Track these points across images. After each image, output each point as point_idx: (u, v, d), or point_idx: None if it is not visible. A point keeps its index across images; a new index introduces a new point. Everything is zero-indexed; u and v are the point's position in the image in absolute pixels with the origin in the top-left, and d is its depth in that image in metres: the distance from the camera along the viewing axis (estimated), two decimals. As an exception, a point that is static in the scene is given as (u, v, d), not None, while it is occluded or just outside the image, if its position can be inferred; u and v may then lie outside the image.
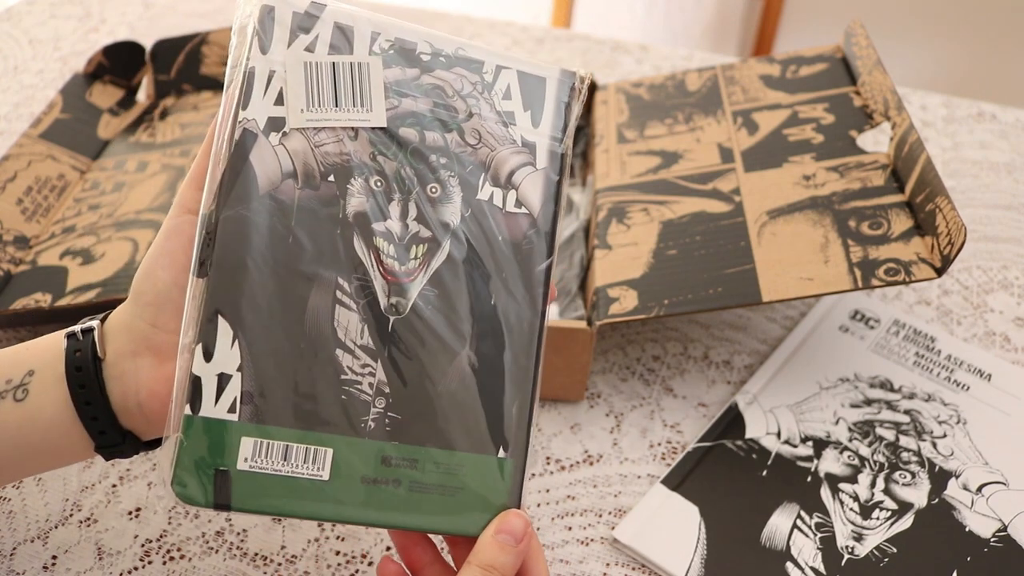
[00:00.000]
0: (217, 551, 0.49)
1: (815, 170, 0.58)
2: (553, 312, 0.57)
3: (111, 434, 0.38)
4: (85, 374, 0.37)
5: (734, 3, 1.97)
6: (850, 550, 0.49)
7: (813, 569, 0.48)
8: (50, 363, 0.38)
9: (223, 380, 0.35)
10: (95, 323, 0.39)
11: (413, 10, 1.00)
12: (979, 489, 0.52)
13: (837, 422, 0.55)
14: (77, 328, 0.38)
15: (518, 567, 0.37)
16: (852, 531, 0.50)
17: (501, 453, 0.38)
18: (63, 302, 0.55)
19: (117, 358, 0.38)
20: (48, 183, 0.66)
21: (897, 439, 0.54)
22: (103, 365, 0.38)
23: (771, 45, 1.98)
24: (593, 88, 0.75)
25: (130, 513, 0.50)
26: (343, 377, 0.36)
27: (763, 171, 0.60)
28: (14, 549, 0.48)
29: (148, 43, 0.77)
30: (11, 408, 0.37)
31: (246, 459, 0.35)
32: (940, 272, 0.49)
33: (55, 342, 0.39)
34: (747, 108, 0.66)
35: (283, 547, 0.49)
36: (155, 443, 0.40)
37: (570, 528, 0.51)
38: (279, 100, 0.37)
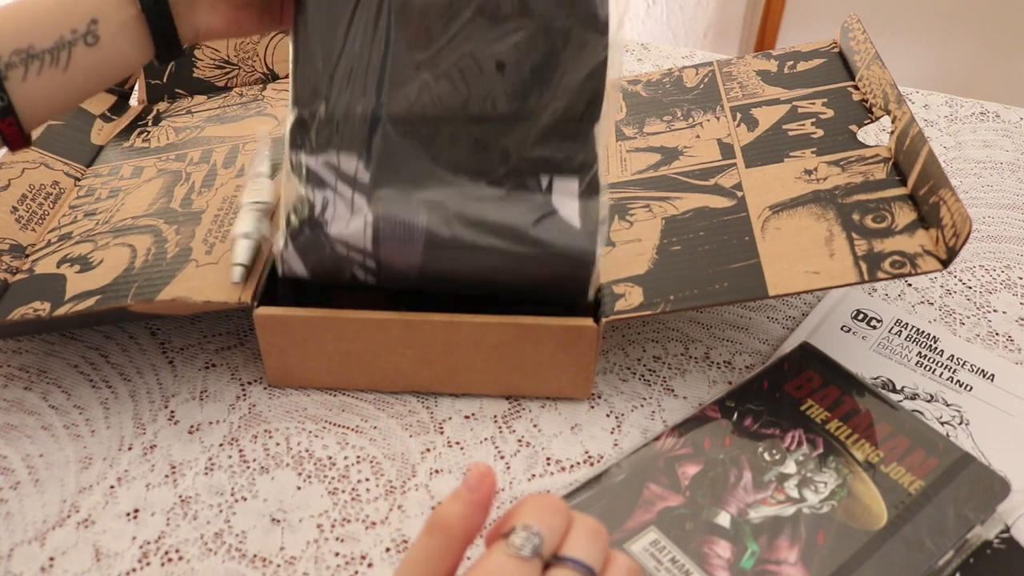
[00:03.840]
0: (216, 552, 0.48)
1: (816, 164, 0.58)
2: (572, 190, 0.51)
3: (176, 54, 0.49)
4: (165, 20, 0.47)
5: (735, 2, 1.97)
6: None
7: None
8: (116, 9, 0.46)
9: None
10: None
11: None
12: (983, 489, 0.51)
13: (840, 422, 0.55)
14: None
15: (476, 519, 0.35)
16: (857, 532, 0.50)
17: None
18: (62, 310, 0.54)
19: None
20: (43, 191, 0.66)
21: (901, 439, 0.54)
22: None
23: (773, 45, 1.97)
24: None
25: (128, 514, 0.50)
26: None
27: (764, 166, 0.59)
28: (11, 551, 0.48)
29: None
30: (84, 52, 0.45)
31: None
32: (946, 264, 0.49)
33: None
34: (746, 104, 0.66)
35: (282, 548, 0.49)
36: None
37: (571, 529, 0.50)
38: None
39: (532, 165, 0.50)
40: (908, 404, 0.56)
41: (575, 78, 0.50)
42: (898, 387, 0.57)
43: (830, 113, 0.62)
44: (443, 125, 0.50)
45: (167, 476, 0.52)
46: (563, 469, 0.53)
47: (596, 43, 0.49)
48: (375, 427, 0.55)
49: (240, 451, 0.54)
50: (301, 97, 0.51)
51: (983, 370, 0.58)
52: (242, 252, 0.55)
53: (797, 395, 0.54)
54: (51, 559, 0.48)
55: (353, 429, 0.55)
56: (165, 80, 0.77)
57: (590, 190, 0.50)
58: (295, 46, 0.51)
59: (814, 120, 0.62)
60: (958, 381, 0.58)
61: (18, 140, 0.47)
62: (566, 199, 0.50)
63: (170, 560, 0.48)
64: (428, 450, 0.54)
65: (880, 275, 0.50)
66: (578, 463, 0.53)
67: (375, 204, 0.50)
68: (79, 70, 0.46)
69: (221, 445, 0.54)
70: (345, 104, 0.50)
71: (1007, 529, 0.49)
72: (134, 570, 0.47)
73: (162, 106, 0.76)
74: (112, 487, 0.51)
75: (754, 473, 0.50)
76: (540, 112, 0.50)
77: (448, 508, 0.34)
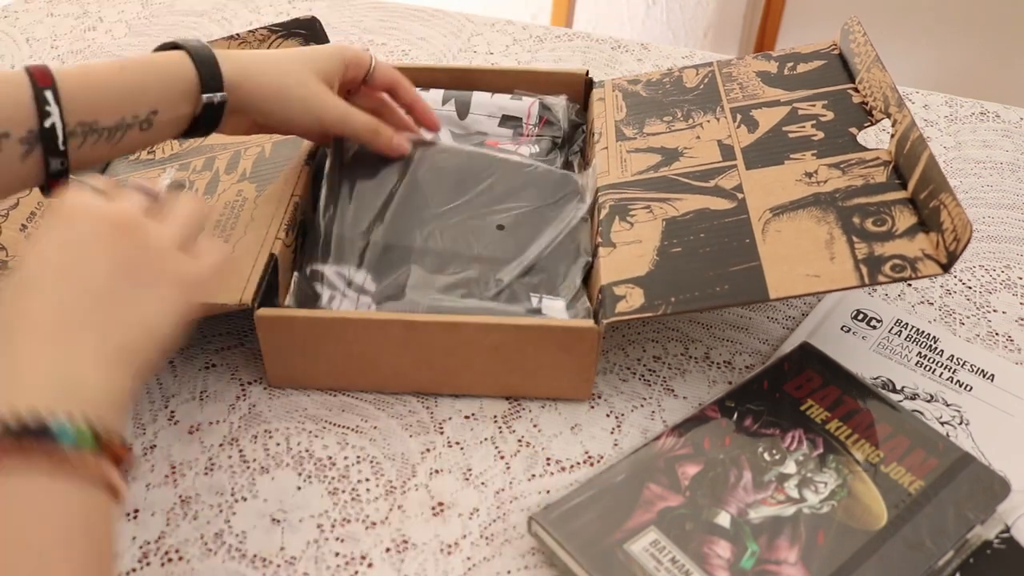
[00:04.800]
0: (216, 553, 0.48)
1: (816, 167, 0.58)
2: (560, 307, 0.56)
3: (201, 136, 0.56)
4: (212, 123, 0.55)
5: (735, 2, 1.96)
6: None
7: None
8: (175, 106, 0.52)
9: None
10: (223, 98, 0.53)
11: (413, 9, 1.00)
12: (983, 489, 0.51)
13: (840, 423, 0.55)
14: (215, 98, 0.53)
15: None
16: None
17: None
18: None
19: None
20: (51, 207, 0.66)
21: (900, 440, 0.54)
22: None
23: (773, 45, 1.97)
24: (590, 85, 0.75)
25: (128, 515, 0.50)
26: None
27: (764, 168, 0.59)
28: (11, 551, 0.48)
29: (147, 42, 0.77)
30: (135, 135, 0.51)
31: None
32: (946, 268, 0.49)
33: (180, 90, 0.52)
34: (746, 105, 0.66)
35: (282, 548, 0.49)
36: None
37: (571, 529, 0.50)
38: None
39: (524, 288, 0.57)
40: (908, 404, 0.56)
41: (560, 230, 0.60)
42: (898, 387, 0.57)
43: (830, 115, 0.62)
44: (446, 259, 0.58)
45: (167, 476, 0.52)
46: (563, 469, 0.53)
47: (577, 207, 0.62)
48: (375, 427, 0.55)
49: (240, 451, 0.54)
50: (325, 227, 0.59)
51: (983, 370, 0.58)
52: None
53: (797, 395, 0.54)
54: (51, 559, 0.48)
55: (353, 429, 0.55)
56: None
57: (575, 300, 0.57)
58: (327, 186, 0.61)
59: (814, 122, 0.62)
60: (958, 381, 0.58)
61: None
62: (554, 311, 0.56)
63: (170, 560, 0.48)
64: (428, 450, 0.54)
65: (880, 279, 0.50)
66: (578, 463, 0.53)
67: (380, 306, 0.56)
68: (125, 145, 0.51)
69: (221, 445, 0.54)
70: (373, 234, 0.59)
71: (1007, 529, 0.49)
72: (134, 570, 0.47)
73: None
74: (112, 487, 0.51)
75: (754, 473, 0.50)
76: (531, 255, 0.59)
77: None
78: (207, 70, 0.52)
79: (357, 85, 0.63)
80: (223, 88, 0.53)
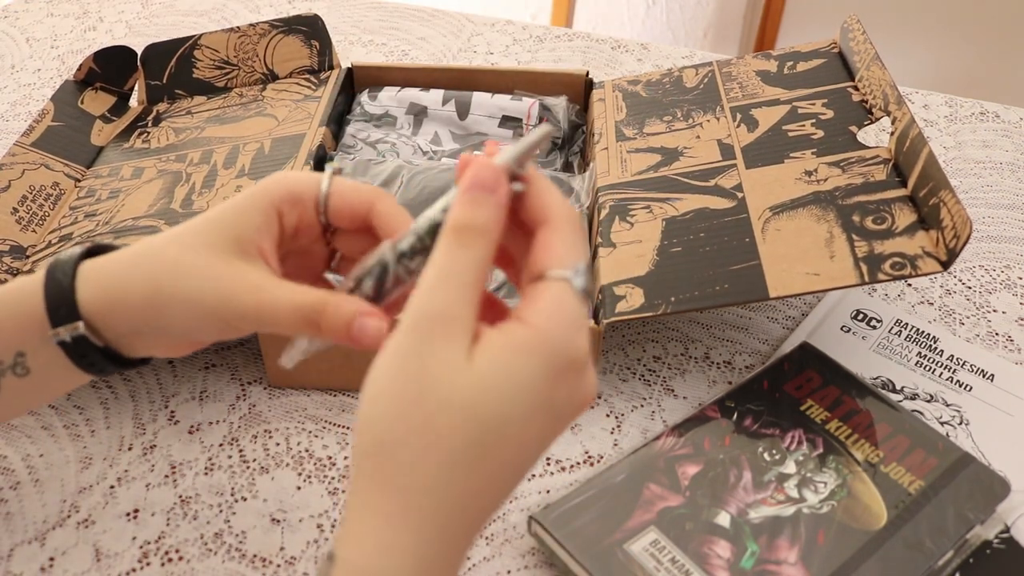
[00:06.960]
0: (216, 553, 0.48)
1: (816, 165, 0.58)
2: None
3: (131, 367, 0.42)
4: (98, 366, 0.40)
5: (735, 2, 1.97)
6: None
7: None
8: (40, 343, 0.39)
9: None
10: (81, 327, 0.39)
11: (413, 9, 1.00)
12: (983, 489, 0.51)
13: (840, 422, 0.55)
14: (66, 337, 0.39)
15: (500, 220, 0.32)
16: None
17: None
18: None
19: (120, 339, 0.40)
20: (43, 192, 0.66)
21: (900, 439, 0.54)
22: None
23: (773, 45, 1.97)
24: (590, 86, 0.75)
25: (128, 515, 0.50)
26: None
27: (764, 167, 0.59)
28: (11, 551, 0.48)
29: (147, 42, 0.77)
30: (14, 382, 0.40)
31: None
32: (946, 266, 0.49)
33: (37, 326, 0.39)
34: (746, 104, 0.66)
35: (282, 548, 0.49)
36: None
37: (571, 529, 0.50)
38: None
39: None
40: (908, 404, 0.56)
41: None
42: (898, 387, 0.57)
43: (830, 114, 0.62)
44: None
45: (167, 476, 0.52)
46: (563, 469, 0.53)
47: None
48: (375, 427, 0.55)
49: (240, 451, 0.54)
50: None
51: (983, 370, 0.58)
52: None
53: (797, 395, 0.54)
54: (51, 559, 0.48)
55: (353, 429, 0.55)
56: (165, 81, 0.77)
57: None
58: None
59: (814, 121, 0.62)
60: (958, 381, 0.58)
61: None
62: None
63: (170, 560, 0.48)
64: (428, 450, 0.54)
65: (881, 276, 0.50)
66: (578, 463, 0.53)
67: None
68: (10, 397, 0.41)
69: (221, 445, 0.54)
70: None
71: (1007, 529, 0.49)
72: (134, 570, 0.47)
73: (162, 107, 0.76)
74: (112, 487, 0.51)
75: (754, 473, 0.50)
76: None
77: (478, 213, 0.31)
78: (56, 298, 0.39)
79: (314, 230, 0.40)
80: (80, 316, 0.38)
